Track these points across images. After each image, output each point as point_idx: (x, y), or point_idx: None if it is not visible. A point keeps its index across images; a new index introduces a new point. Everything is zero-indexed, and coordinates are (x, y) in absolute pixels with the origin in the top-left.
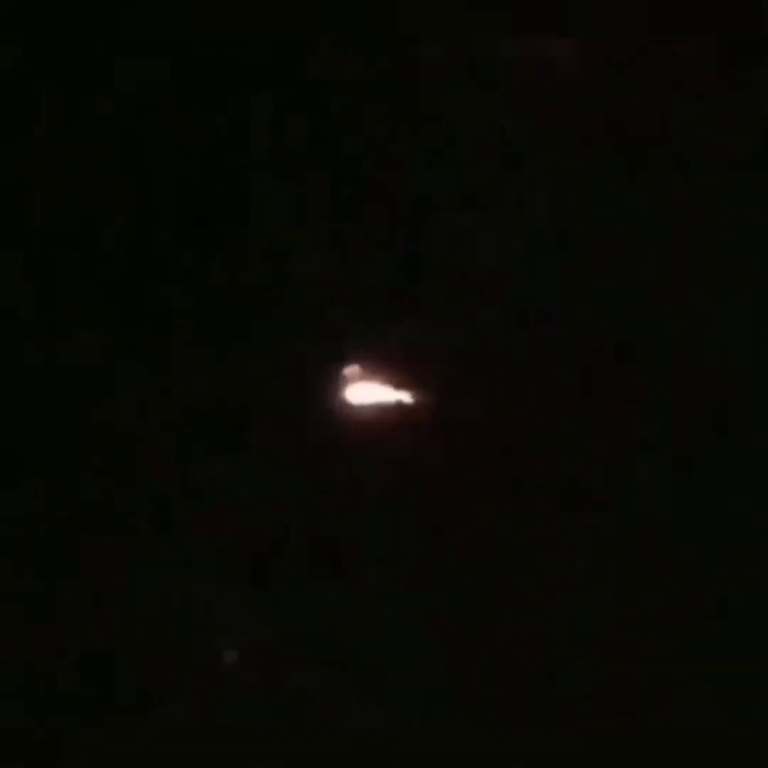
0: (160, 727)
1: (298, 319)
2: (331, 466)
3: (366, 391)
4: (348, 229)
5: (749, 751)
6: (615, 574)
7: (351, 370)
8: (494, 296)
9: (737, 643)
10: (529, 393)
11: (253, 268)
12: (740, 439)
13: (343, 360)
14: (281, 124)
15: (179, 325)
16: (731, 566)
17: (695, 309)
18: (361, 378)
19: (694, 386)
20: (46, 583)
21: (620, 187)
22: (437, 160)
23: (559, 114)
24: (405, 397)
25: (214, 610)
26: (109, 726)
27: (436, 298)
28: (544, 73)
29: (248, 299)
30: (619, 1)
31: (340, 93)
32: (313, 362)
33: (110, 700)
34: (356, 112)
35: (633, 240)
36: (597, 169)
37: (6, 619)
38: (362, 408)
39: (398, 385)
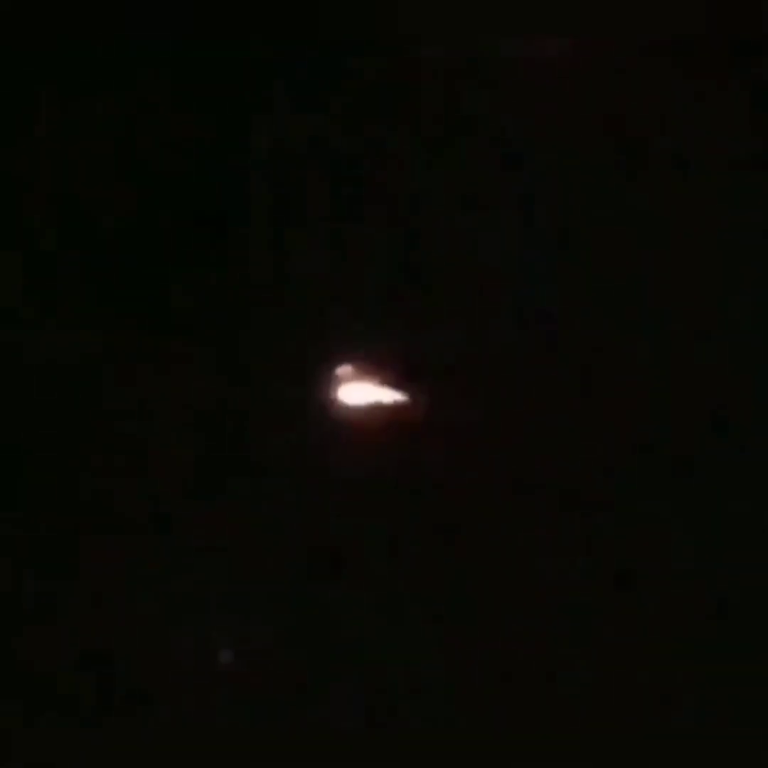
0: (160, 727)
1: (297, 319)
2: (331, 465)
3: (365, 391)
4: (348, 229)
5: (749, 751)
6: (615, 574)
7: (350, 369)
8: (494, 296)
9: (737, 643)
10: (529, 393)
11: (253, 268)
12: (740, 439)
13: (343, 360)
14: (281, 124)
15: (179, 325)
16: (731, 566)
17: (695, 309)
18: (361, 378)
19: (694, 386)
20: (46, 583)
21: (620, 187)
22: (437, 160)
23: (559, 114)
24: (405, 397)
25: (214, 610)
26: (109, 726)
27: (435, 298)
28: (544, 73)
29: (248, 299)
30: (619, 1)
31: (340, 93)
32: (313, 362)
33: (110, 700)
34: (356, 112)
35: (633, 240)
36: (597, 169)
37: (6, 619)
38: (362, 408)
39: (398, 385)
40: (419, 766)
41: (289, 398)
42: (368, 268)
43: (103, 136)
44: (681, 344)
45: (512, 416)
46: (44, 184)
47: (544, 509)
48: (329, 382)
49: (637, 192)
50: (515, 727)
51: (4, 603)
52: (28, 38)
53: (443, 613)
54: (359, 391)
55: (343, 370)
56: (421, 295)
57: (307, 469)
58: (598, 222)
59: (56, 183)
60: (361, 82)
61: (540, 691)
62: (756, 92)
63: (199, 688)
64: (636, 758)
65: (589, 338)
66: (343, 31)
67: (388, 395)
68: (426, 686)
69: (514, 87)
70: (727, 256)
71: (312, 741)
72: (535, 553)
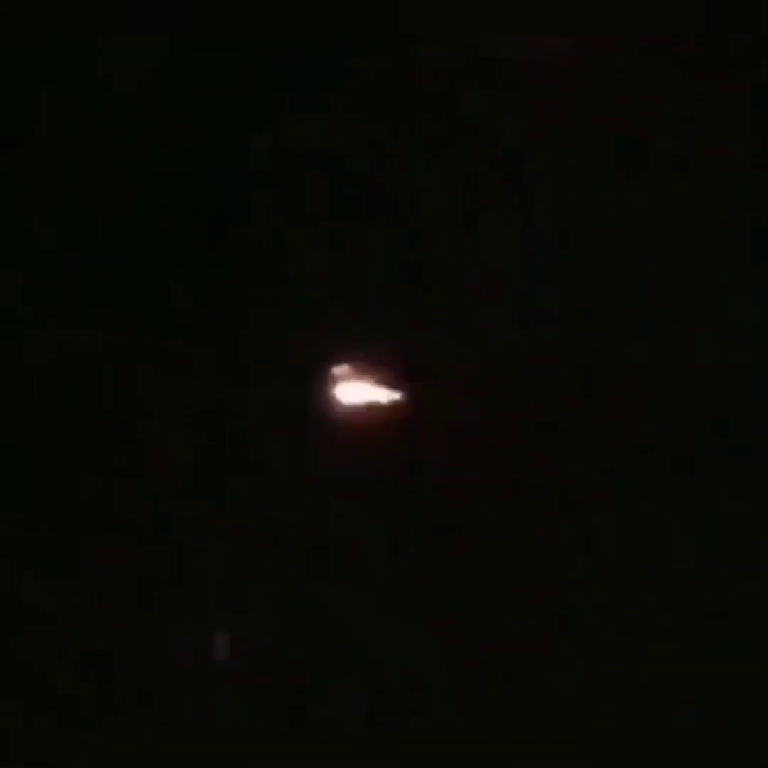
0: (160, 727)
1: (297, 319)
2: (330, 465)
3: (365, 391)
4: (348, 229)
5: (749, 751)
6: (615, 574)
7: (350, 369)
8: (494, 296)
9: (737, 643)
10: (529, 393)
11: (253, 268)
12: (740, 439)
13: (342, 360)
14: (281, 124)
15: (179, 325)
16: (731, 566)
17: (695, 309)
18: (360, 377)
19: (693, 386)
20: (46, 583)
21: (620, 187)
22: (437, 160)
23: (559, 114)
24: (404, 396)
25: (213, 609)
26: (109, 726)
27: (435, 298)
28: (544, 73)
29: (248, 299)
30: (619, 1)
31: (340, 93)
32: (313, 362)
33: (110, 700)
34: (356, 112)
35: (633, 240)
36: (597, 169)
37: (6, 619)
38: (361, 407)
39: (397, 385)
40: (419, 766)
41: (288, 398)
42: (368, 268)
43: (103, 136)
44: (681, 344)
45: (511, 416)
46: (44, 184)
47: (544, 509)
48: (328, 381)
49: (637, 192)
50: (515, 727)
51: (4, 603)
52: (28, 38)
53: (442, 613)
54: (359, 391)
55: (343, 369)
56: (420, 295)
57: (307, 468)
58: (598, 222)
59: (56, 183)
60: (361, 82)
61: (539, 691)
62: (756, 92)
63: (199, 688)
64: (636, 758)
65: (589, 338)
66: (343, 31)
67: (387, 395)
68: (426, 686)
69: (514, 87)
70: (727, 256)
71: (312, 741)
72: (535, 552)
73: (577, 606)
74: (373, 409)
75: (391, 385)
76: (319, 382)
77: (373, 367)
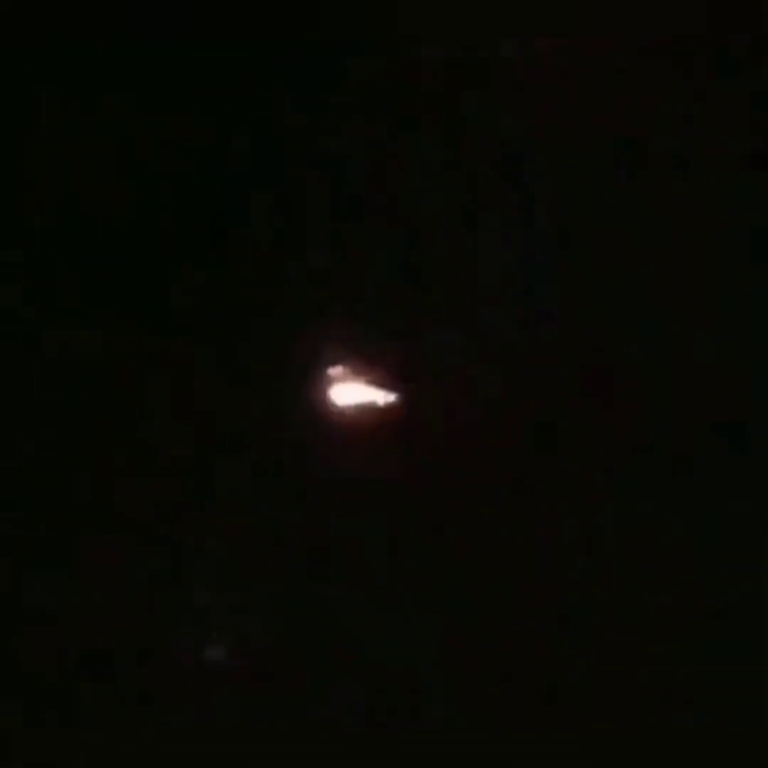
0: (160, 727)
1: (297, 319)
2: (330, 465)
3: (364, 391)
4: (348, 229)
5: (749, 751)
6: (615, 574)
7: (350, 369)
8: (494, 296)
9: (737, 643)
10: (529, 393)
11: (253, 268)
12: (740, 439)
13: (342, 359)
14: (281, 124)
15: (179, 325)
16: (731, 566)
17: (695, 309)
18: (360, 377)
19: (693, 386)
20: (46, 583)
21: (620, 187)
22: (437, 160)
23: (559, 114)
24: (405, 396)
25: (212, 609)
26: (109, 726)
27: (436, 298)
28: (544, 73)
29: (248, 299)
30: (619, 1)
31: (340, 93)
32: (312, 362)
33: (110, 700)
34: (356, 112)
35: (633, 240)
36: (597, 169)
37: (6, 619)
38: (362, 407)
39: (398, 385)
40: (419, 766)
41: (288, 398)
42: (368, 268)
43: (103, 136)
44: (681, 344)
45: (511, 416)
46: (44, 184)
47: (544, 509)
48: (328, 382)
49: (637, 192)
50: (515, 727)
51: (4, 603)
52: (28, 38)
53: (442, 613)
54: (359, 391)
55: (343, 369)
56: (420, 295)
57: (307, 468)
58: (598, 222)
59: (56, 183)
60: (361, 82)
61: (540, 691)
62: (756, 92)
63: (199, 688)
64: (636, 758)
65: (589, 338)
66: (343, 31)
67: (387, 395)
68: (425, 686)
69: (514, 87)
70: (727, 256)
71: (312, 741)
72: (535, 552)
73: (577, 606)
74: (373, 409)
75: (392, 385)
76: (319, 382)
77: (373, 367)
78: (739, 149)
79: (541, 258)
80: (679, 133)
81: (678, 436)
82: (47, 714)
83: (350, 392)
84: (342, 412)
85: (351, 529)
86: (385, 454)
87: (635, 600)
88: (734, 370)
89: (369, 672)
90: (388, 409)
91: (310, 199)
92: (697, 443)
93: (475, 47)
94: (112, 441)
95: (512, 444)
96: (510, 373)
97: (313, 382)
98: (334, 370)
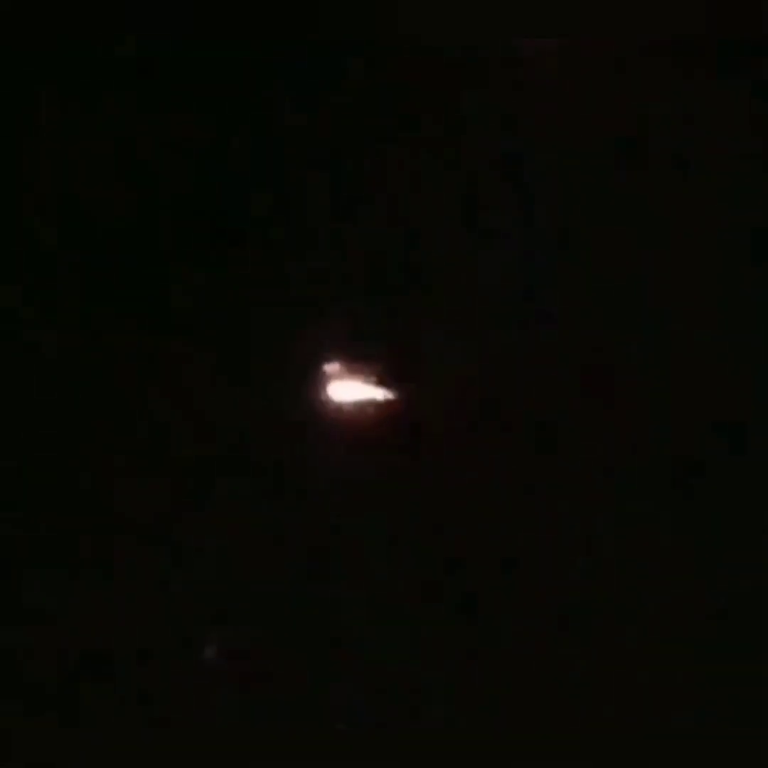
0: (160, 727)
1: (297, 319)
2: (331, 465)
3: (366, 391)
4: (348, 229)
5: (749, 751)
6: (615, 574)
7: (350, 369)
8: (494, 296)
9: (737, 643)
10: (529, 393)
11: (253, 268)
12: (740, 439)
13: (343, 359)
14: (281, 124)
15: (178, 325)
16: (731, 566)
17: (695, 309)
18: (361, 377)
19: (694, 386)
20: (46, 583)
21: (620, 187)
22: (437, 161)
23: (559, 114)
24: (405, 396)
25: (214, 609)
26: (109, 726)
27: (435, 298)
28: (544, 73)
29: (248, 299)
30: (619, 1)
31: (340, 93)
32: (312, 361)
33: (110, 700)
34: (356, 112)
35: (633, 240)
36: (597, 169)
37: (6, 619)
38: (362, 407)
39: (398, 385)
40: (419, 766)
41: (288, 398)
42: (368, 268)
43: (103, 136)
44: (681, 344)
45: (511, 416)
46: (44, 184)
47: (544, 509)
48: (329, 381)
49: (637, 192)
50: (516, 727)
51: (4, 603)
52: (28, 38)
53: (442, 613)
54: (359, 391)
55: (343, 369)
56: (420, 295)
57: (307, 468)
58: (598, 222)
59: (56, 183)
60: (361, 82)
61: (540, 691)
62: (756, 92)
63: (199, 688)
64: (636, 758)
65: (589, 338)
66: (343, 31)
67: (387, 395)
68: (426, 686)
69: (514, 87)
70: (727, 256)
71: (311, 741)
72: (535, 552)
73: (577, 606)
74: (373, 409)
75: (392, 385)
76: (319, 382)
77: (373, 366)
78: (739, 149)
79: (541, 258)
80: (679, 133)
81: (678, 436)
82: (47, 714)
83: (350, 392)
84: (342, 412)
85: (351, 529)
86: (385, 453)
87: (635, 600)
88: (734, 370)
89: (369, 672)
90: (388, 408)
91: (310, 199)
92: (697, 443)
93: (475, 47)
94: (112, 441)
95: (512, 444)
96: (510, 373)
97: (313, 382)
98: (334, 370)
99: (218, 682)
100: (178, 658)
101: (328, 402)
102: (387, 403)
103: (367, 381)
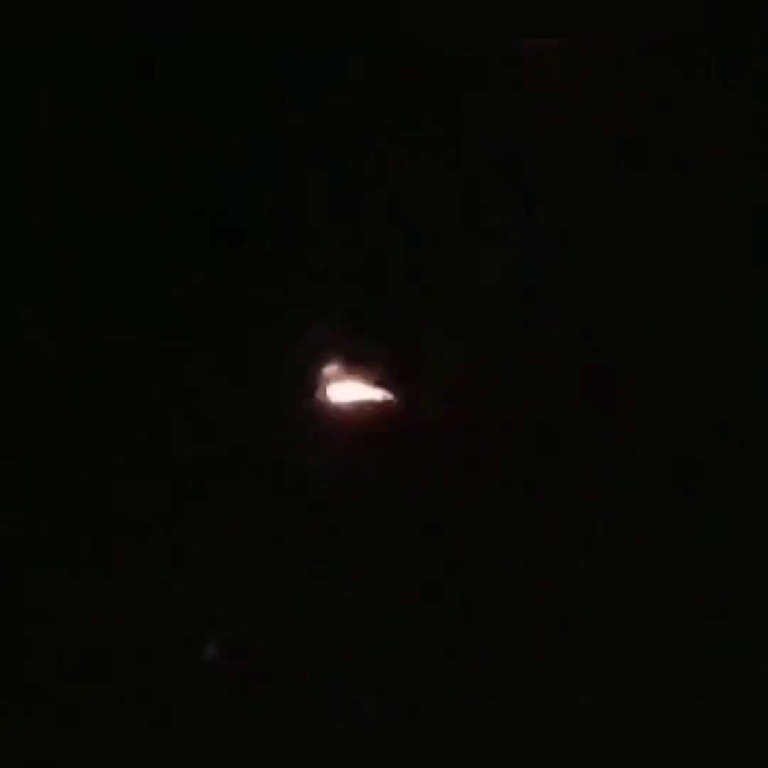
0: (160, 727)
1: (297, 319)
2: (330, 465)
3: (366, 391)
4: (348, 229)
5: (749, 751)
6: (615, 574)
7: (350, 369)
8: (494, 296)
9: (737, 643)
10: (529, 393)
11: (253, 268)
12: (740, 439)
13: (343, 359)
14: (281, 124)
15: (178, 325)
16: (731, 566)
17: (695, 309)
18: (361, 377)
19: (694, 386)
20: (46, 583)
21: (620, 187)
22: (437, 161)
23: (559, 114)
24: (405, 397)
25: (214, 609)
26: (109, 726)
27: (435, 298)
28: (543, 73)
29: (248, 299)
30: (619, 1)
31: (340, 93)
32: (313, 361)
33: (110, 700)
34: (356, 112)
35: (633, 240)
36: (597, 169)
37: (6, 619)
38: (362, 407)
39: (398, 385)
40: (419, 766)
41: (288, 398)
42: (368, 268)
43: (103, 136)
44: (681, 344)
45: (511, 416)
46: (44, 184)
47: (544, 509)
48: (327, 381)
49: (637, 192)
50: (516, 727)
51: (4, 603)
52: (28, 38)
53: (442, 613)
54: (359, 391)
55: (342, 369)
56: (420, 295)
57: (307, 468)
58: (598, 222)
59: (56, 183)
60: (361, 82)
61: (540, 691)
62: (756, 92)
63: (199, 688)
64: (636, 758)
65: (589, 338)
66: (343, 31)
67: (386, 395)
68: (426, 686)
69: (514, 87)
70: (727, 256)
71: (311, 741)
72: (535, 552)
73: (577, 606)
74: (372, 409)
75: (391, 385)
76: (319, 382)
77: (373, 367)
78: (739, 149)
79: (541, 258)
80: (679, 133)
81: (678, 436)
82: (47, 714)
83: (350, 392)
84: (342, 412)
85: (351, 529)
86: (385, 454)
87: (635, 600)
88: (734, 370)
89: (369, 672)
90: (388, 409)
91: (310, 199)
92: (697, 443)
93: (475, 47)
94: (112, 441)
95: (512, 444)
96: (510, 373)
97: (313, 382)
98: (334, 370)
99: (218, 682)
100: (178, 658)
101: (328, 402)
102: (387, 403)
103: (367, 381)
